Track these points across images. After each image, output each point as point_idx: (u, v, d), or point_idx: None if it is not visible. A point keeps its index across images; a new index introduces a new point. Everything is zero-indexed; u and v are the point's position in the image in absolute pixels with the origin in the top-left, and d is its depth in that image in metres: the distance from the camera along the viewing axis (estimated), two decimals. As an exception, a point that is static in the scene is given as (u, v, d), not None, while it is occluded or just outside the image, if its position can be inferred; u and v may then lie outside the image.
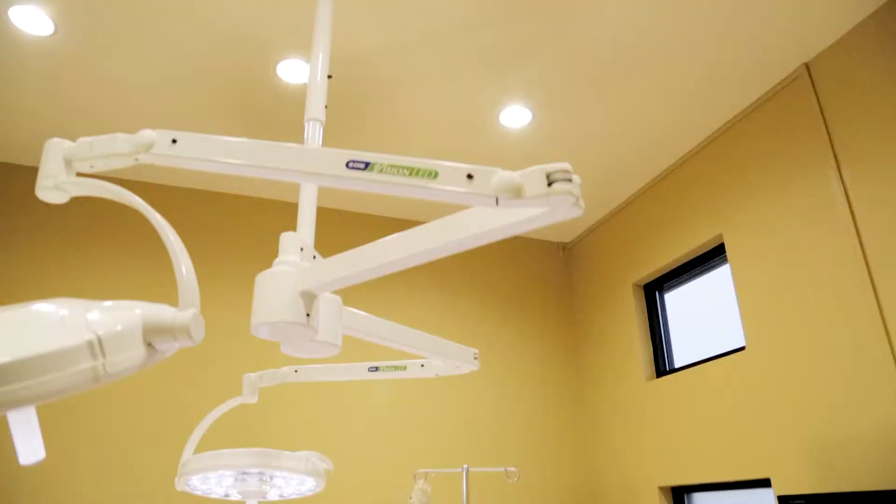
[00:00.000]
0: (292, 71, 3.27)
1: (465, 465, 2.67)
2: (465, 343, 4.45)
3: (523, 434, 4.40)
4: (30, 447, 1.08)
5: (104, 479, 3.50)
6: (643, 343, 4.22)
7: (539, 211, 1.02)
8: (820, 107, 3.14)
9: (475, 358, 2.10)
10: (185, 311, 1.00)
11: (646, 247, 4.28)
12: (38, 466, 3.42)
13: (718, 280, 3.88)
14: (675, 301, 4.22)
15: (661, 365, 4.16)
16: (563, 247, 5.22)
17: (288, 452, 2.23)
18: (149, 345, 1.00)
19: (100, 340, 0.92)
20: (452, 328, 4.54)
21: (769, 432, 3.16)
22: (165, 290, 3.99)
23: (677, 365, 4.06)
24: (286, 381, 2.45)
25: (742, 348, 3.44)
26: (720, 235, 3.70)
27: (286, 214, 4.44)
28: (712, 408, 3.55)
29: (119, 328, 0.96)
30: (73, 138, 1.41)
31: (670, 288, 4.26)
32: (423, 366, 2.24)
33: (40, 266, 3.77)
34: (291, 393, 4.03)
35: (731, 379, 3.45)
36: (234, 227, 4.28)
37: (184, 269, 1.02)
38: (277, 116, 3.62)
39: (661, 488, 3.87)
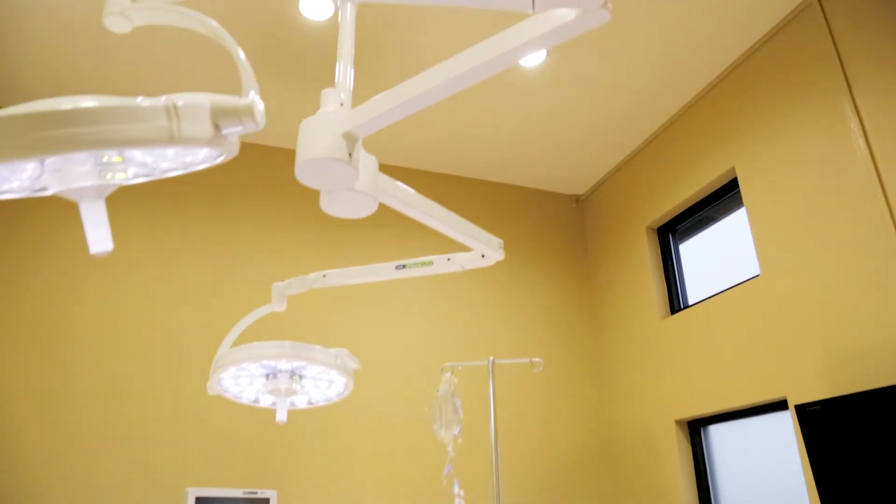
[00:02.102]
0: (315, 8, 3.35)
1: (491, 358, 2.75)
2: (478, 297, 4.53)
3: (538, 378, 4.47)
4: (99, 237, 1.17)
5: (128, 398, 3.59)
6: (657, 283, 4.29)
7: (571, 17, 1.11)
8: (832, 36, 3.19)
9: (500, 247, 2.16)
10: (247, 97, 1.08)
11: (658, 189, 4.34)
12: (73, 389, 3.51)
13: (730, 225, 3.94)
14: (689, 249, 4.28)
15: (675, 304, 4.22)
16: (577, 199, 5.28)
17: (319, 346, 2.30)
18: (216, 126, 1.08)
19: (175, 107, 1.00)
20: (466, 278, 4.61)
21: (785, 352, 3.22)
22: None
23: (691, 303, 4.12)
24: (314, 287, 2.53)
25: (756, 276, 3.50)
26: (732, 169, 3.75)
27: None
28: (727, 337, 3.61)
29: (191, 102, 1.04)
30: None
31: (684, 232, 4.32)
32: (449, 259, 2.31)
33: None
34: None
35: (746, 307, 3.51)
36: (253, 174, 4.36)
37: (241, 56, 1.11)
38: (303, 56, 3.69)
39: (678, 422, 3.94)
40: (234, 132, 1.11)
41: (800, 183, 3.25)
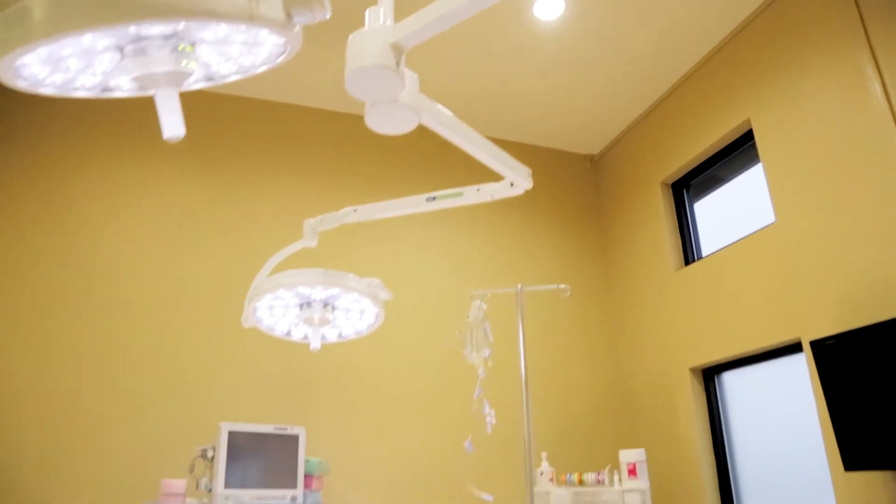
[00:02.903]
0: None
1: (520, 285, 2.83)
2: (491, 254, 4.62)
3: (553, 334, 4.57)
4: (173, 123, 1.25)
5: (164, 339, 3.70)
6: (671, 236, 4.36)
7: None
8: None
9: (529, 176, 2.23)
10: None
11: (673, 145, 4.40)
12: (110, 328, 3.61)
13: (745, 182, 3.99)
14: (704, 207, 4.34)
15: (689, 256, 4.30)
16: (591, 159, 5.34)
17: (352, 275, 2.38)
18: (288, 14, 1.16)
19: (254, -9, 1.06)
20: (480, 237, 4.68)
21: (798, 294, 3.30)
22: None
23: (705, 255, 4.19)
24: (345, 222, 2.61)
25: (771, 224, 3.56)
26: (748, 121, 3.80)
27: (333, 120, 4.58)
28: (741, 284, 3.69)
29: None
30: None
31: (698, 188, 4.38)
32: (478, 190, 2.39)
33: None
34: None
35: (761, 254, 3.58)
36: (277, 130, 4.43)
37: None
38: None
39: (692, 369, 4.03)
40: (304, 20, 1.18)
41: (815, 130, 3.31)
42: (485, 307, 2.63)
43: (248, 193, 4.22)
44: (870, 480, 2.80)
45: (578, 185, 5.21)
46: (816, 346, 2.94)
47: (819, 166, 3.26)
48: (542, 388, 4.39)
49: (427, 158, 4.77)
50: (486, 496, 2.76)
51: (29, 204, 3.73)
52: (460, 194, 2.39)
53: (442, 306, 4.36)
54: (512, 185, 2.30)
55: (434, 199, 2.45)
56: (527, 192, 4.97)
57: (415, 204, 2.49)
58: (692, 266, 4.12)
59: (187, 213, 4.02)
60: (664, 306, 4.31)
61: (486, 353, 2.56)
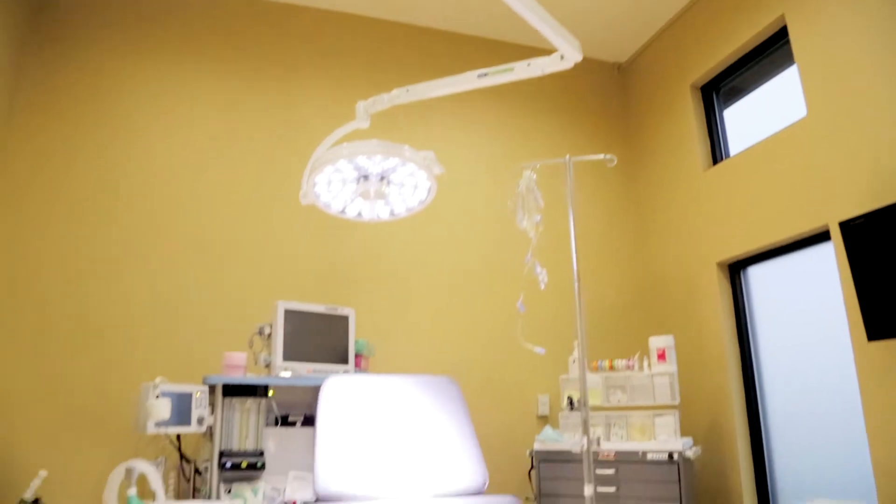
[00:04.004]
0: None
1: (568, 155, 2.96)
2: (520, 162, 4.73)
3: (583, 231, 4.73)
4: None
5: (223, 229, 3.88)
6: (700, 137, 4.43)
7: None
8: None
9: (579, 49, 2.31)
10: None
11: (703, 46, 4.42)
12: (172, 220, 3.79)
13: (776, 86, 4.04)
14: (733, 113, 4.40)
15: (718, 156, 4.38)
16: (618, 67, 5.37)
17: (408, 146, 2.50)
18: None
19: None
20: (508, 144, 4.78)
21: (826, 183, 3.39)
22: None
23: (733, 154, 4.28)
24: (396, 103, 2.71)
25: (802, 119, 3.63)
26: (782, 17, 3.83)
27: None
28: (769, 178, 3.78)
29: None
30: None
31: (728, 93, 4.42)
32: (529, 65, 2.48)
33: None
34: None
35: (790, 148, 3.66)
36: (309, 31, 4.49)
37: None
38: None
39: (719, 263, 4.17)
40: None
41: (851, 22, 3.34)
42: (534, 177, 2.76)
43: (296, 82, 4.35)
44: (890, 349, 2.97)
45: (606, 94, 5.26)
46: (845, 226, 3.06)
47: (854, 56, 3.31)
48: (573, 282, 4.56)
49: (469, 47, 4.88)
50: (538, 349, 2.94)
51: (84, 104, 3.84)
52: (511, 69, 2.49)
53: (487, 187, 4.64)
54: (562, 57, 2.40)
55: (485, 74, 2.55)
56: (554, 103, 5.03)
57: (466, 81, 2.59)
58: (720, 165, 4.21)
59: (235, 106, 4.15)
60: (692, 204, 4.42)
61: (537, 218, 2.70)
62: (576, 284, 2.66)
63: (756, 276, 4.07)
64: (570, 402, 3.75)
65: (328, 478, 1.44)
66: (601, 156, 2.84)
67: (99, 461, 3.43)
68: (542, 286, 2.76)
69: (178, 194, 3.90)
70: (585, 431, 2.59)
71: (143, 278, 3.71)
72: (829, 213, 3.38)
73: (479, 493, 1.56)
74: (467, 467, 1.57)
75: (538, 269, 2.77)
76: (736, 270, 4.17)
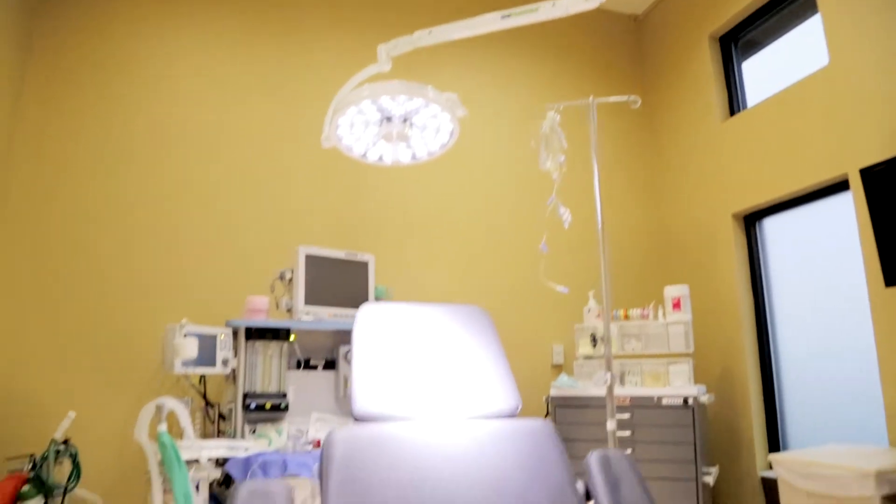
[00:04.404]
0: None
1: (592, 96, 2.96)
2: (535, 111, 4.72)
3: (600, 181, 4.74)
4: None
5: (239, 177, 3.91)
6: (717, 88, 4.40)
7: None
8: None
9: (605, -13, 2.29)
10: None
11: (724, -5, 4.37)
12: (189, 168, 3.81)
13: (794, 37, 3.99)
14: (751, 67, 4.36)
15: (735, 108, 4.36)
16: (635, 18, 5.30)
17: (431, 86, 2.50)
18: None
19: None
20: (530, 88, 4.75)
21: (848, 131, 3.38)
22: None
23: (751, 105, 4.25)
24: (419, 45, 2.70)
25: (823, 67, 3.60)
26: (805, -37, 3.78)
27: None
28: (788, 128, 3.77)
29: None
30: None
31: (746, 46, 4.38)
32: (553, 5, 2.46)
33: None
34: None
35: (810, 97, 3.64)
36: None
37: None
38: None
39: (735, 215, 4.17)
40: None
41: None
42: (558, 118, 2.76)
43: (312, 24, 4.33)
44: (908, 295, 3.00)
45: (624, 46, 5.21)
46: (866, 172, 3.07)
47: (879, 2, 3.27)
48: (588, 232, 4.59)
49: None
50: (561, 288, 2.98)
51: (98, 49, 3.83)
52: (535, 9, 2.47)
53: (509, 130, 4.66)
54: (587, -2, 2.38)
55: (508, 15, 2.53)
56: (569, 54, 4.99)
57: (489, 22, 2.57)
58: (738, 116, 4.19)
59: (252, 50, 4.12)
60: (709, 155, 4.41)
61: (561, 158, 2.72)
62: (599, 224, 2.68)
63: (771, 227, 4.07)
64: (594, 339, 3.81)
65: (365, 399, 1.48)
66: (625, 97, 2.82)
67: (124, 403, 3.50)
68: (566, 225, 2.79)
69: (200, 139, 3.91)
70: (609, 368, 2.63)
71: (165, 224, 3.75)
72: (848, 162, 3.37)
73: (512, 416, 1.61)
74: (500, 391, 1.62)
75: (561, 210, 2.79)
76: (751, 222, 4.18)
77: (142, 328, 3.59)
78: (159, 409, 2.65)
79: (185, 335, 2.79)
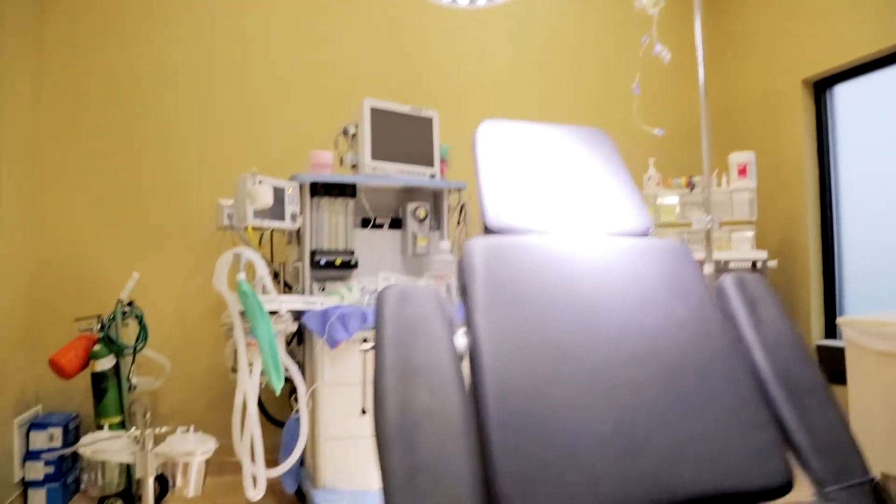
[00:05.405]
0: None
1: None
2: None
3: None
4: None
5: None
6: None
7: None
8: None
9: None
10: None
11: None
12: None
13: None
14: None
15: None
16: None
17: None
18: None
19: None
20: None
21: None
22: None
23: None
24: None
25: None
26: None
27: None
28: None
29: None
30: None
31: None
32: None
33: None
34: None
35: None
36: None
37: None
38: None
39: (804, 81, 3.98)
40: None
41: None
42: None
43: None
44: None
45: None
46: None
47: None
48: (650, 97, 4.37)
49: None
50: (657, 131, 2.89)
51: None
52: None
53: None
54: None
55: None
56: None
57: None
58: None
59: None
60: (778, 15, 4.16)
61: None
62: (701, 78, 2.54)
63: (843, 95, 3.89)
64: (691, 183, 3.74)
65: (498, 211, 1.41)
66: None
67: (185, 265, 3.49)
68: (666, 61, 2.66)
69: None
70: (707, 210, 2.58)
71: (224, 79, 3.63)
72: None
73: (644, 235, 1.54)
74: (631, 211, 1.54)
75: (657, 48, 2.65)
76: (822, 89, 3.99)
77: (203, 188, 3.52)
78: (237, 257, 2.61)
79: (259, 182, 2.71)
